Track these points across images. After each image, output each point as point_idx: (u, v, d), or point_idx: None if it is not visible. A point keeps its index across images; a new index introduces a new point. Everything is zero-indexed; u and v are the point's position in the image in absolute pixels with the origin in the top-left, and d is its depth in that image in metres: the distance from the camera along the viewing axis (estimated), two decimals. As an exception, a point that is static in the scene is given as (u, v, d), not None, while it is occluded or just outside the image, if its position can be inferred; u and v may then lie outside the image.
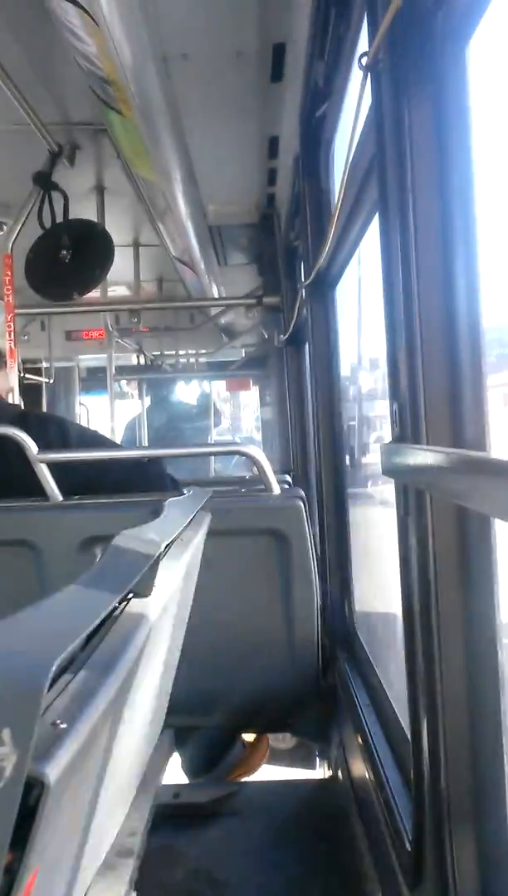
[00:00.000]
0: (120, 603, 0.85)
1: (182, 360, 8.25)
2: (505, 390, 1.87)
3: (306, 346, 3.74)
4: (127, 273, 5.55)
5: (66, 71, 2.74)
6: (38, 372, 8.16)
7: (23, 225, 3.72)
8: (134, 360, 8.08)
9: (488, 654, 1.23)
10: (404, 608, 1.40)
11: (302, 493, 2.45)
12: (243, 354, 8.48)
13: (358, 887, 1.98)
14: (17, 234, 3.71)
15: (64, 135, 3.56)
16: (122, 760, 0.96)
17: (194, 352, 8.32)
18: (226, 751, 3.29)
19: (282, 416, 5.46)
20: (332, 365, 2.90)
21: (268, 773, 3.41)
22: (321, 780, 3.29)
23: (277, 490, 2.39)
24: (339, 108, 2.39)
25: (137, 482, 2.50)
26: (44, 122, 3.28)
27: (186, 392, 9.52)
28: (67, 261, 3.87)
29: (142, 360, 7.90)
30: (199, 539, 1.60)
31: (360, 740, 2.08)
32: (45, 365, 8.09)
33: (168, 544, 1.14)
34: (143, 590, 0.97)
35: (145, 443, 7.97)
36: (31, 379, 7.90)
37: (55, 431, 2.50)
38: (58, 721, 0.61)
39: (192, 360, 8.46)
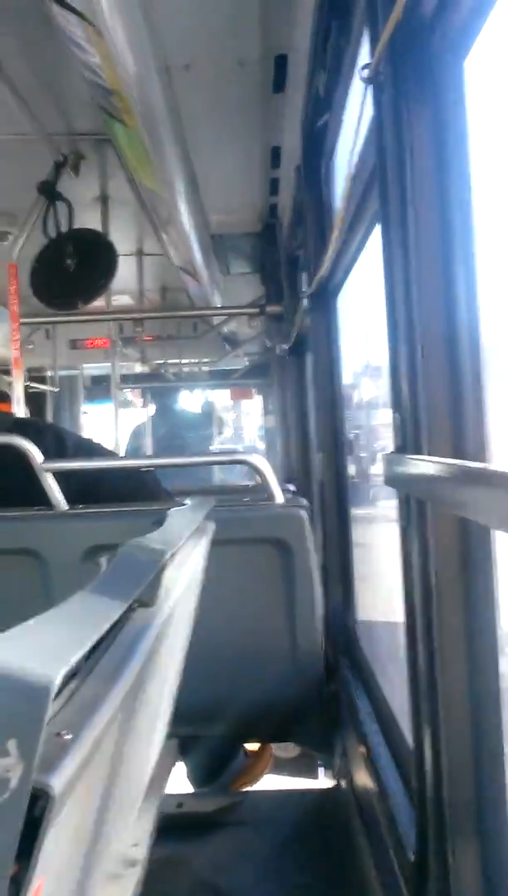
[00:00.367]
0: (125, 612, 0.85)
1: (185, 369, 8.26)
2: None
3: (309, 355, 3.75)
4: (131, 282, 5.57)
5: (70, 81, 2.76)
6: (42, 380, 8.18)
7: (28, 234, 3.73)
8: (138, 369, 8.09)
9: (489, 665, 1.23)
10: (406, 617, 1.41)
11: (305, 503, 2.45)
12: (246, 363, 8.50)
13: None
14: (23, 244, 3.73)
15: (68, 145, 3.57)
16: (127, 770, 0.96)
17: (197, 360, 8.33)
18: (229, 760, 3.28)
19: (284, 424, 5.47)
20: (333, 374, 2.90)
21: (271, 782, 3.40)
22: (324, 789, 3.28)
23: (280, 499, 2.39)
24: (340, 118, 2.40)
25: (134, 492, 2.50)
26: (48, 133, 3.29)
27: (189, 401, 9.53)
28: (71, 270, 3.88)
29: (145, 369, 7.91)
30: (202, 548, 1.61)
31: (363, 750, 2.08)
32: (49, 373, 8.12)
33: (172, 554, 1.15)
34: (148, 599, 0.98)
35: (149, 451, 7.98)
36: (36, 387, 7.93)
37: (52, 440, 2.50)
38: (63, 732, 0.61)
39: (195, 368, 8.47)
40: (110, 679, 0.76)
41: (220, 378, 8.76)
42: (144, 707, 1.03)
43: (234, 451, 7.89)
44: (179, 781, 3.15)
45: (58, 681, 0.54)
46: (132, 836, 1.96)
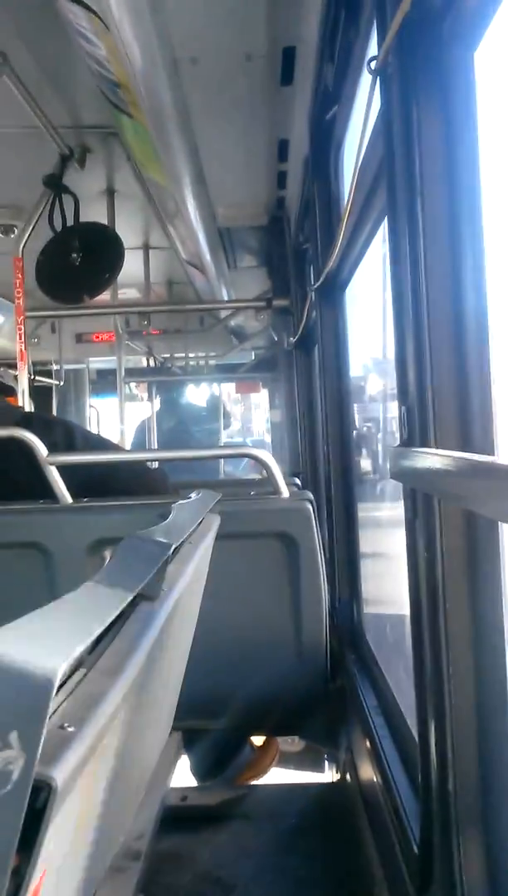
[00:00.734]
0: (129, 605, 0.85)
1: (192, 363, 8.26)
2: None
3: (316, 349, 3.75)
4: (137, 276, 5.56)
5: (76, 74, 2.75)
6: (48, 374, 8.19)
7: (33, 228, 3.73)
8: (144, 363, 8.10)
9: (495, 658, 1.23)
10: (412, 611, 1.40)
11: (311, 496, 2.45)
12: (253, 357, 8.49)
13: (366, 890, 1.98)
14: (28, 237, 3.72)
15: (75, 138, 3.57)
16: (130, 763, 0.96)
17: (203, 354, 8.33)
18: (235, 754, 3.29)
19: (291, 418, 5.46)
20: (341, 368, 2.90)
21: (276, 776, 3.41)
22: (329, 783, 3.29)
23: (286, 493, 2.38)
24: (348, 111, 2.39)
25: (143, 489, 2.50)
26: (55, 125, 3.29)
27: (195, 395, 9.53)
28: (77, 263, 3.88)
29: (152, 363, 7.91)
30: (207, 541, 1.60)
31: (368, 743, 2.08)
32: (55, 367, 8.12)
33: (177, 547, 1.14)
34: (151, 592, 0.97)
35: (155, 445, 7.98)
36: (42, 381, 7.93)
37: (61, 434, 2.50)
38: (66, 724, 0.61)
39: (201, 362, 8.47)
40: (114, 672, 0.75)
41: (226, 372, 8.75)
42: (147, 700, 1.02)
43: (239, 445, 7.89)
44: (185, 775, 3.16)
45: (60, 673, 0.53)
46: (136, 829, 1.96)
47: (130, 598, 0.82)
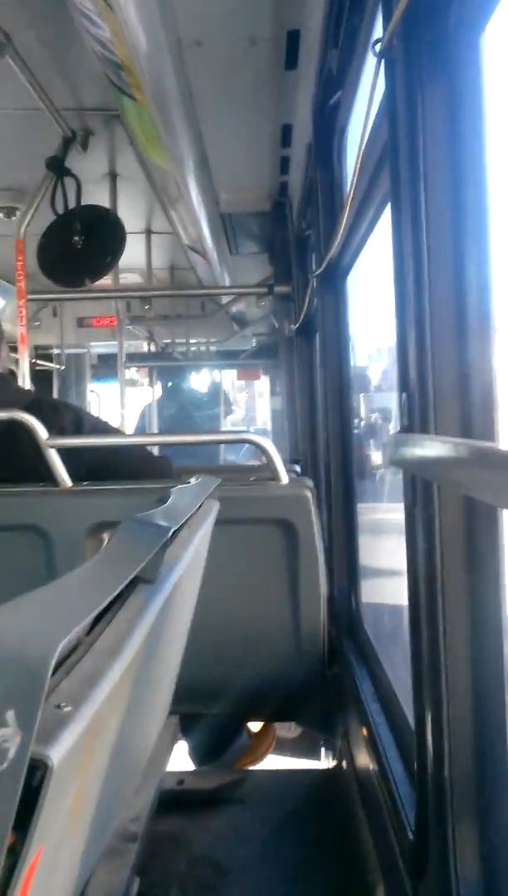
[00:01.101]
0: (126, 588, 0.85)
1: (193, 349, 8.25)
2: None
3: (317, 336, 3.74)
4: (139, 260, 5.55)
5: (80, 56, 2.73)
6: (49, 358, 8.18)
7: (35, 210, 3.72)
8: (145, 348, 8.09)
9: (493, 646, 1.23)
10: (410, 598, 1.40)
11: (310, 483, 2.45)
12: (254, 343, 8.48)
13: (361, 876, 1.99)
14: (30, 220, 3.71)
15: (77, 120, 3.55)
16: (127, 745, 0.97)
17: (204, 340, 8.32)
18: (232, 739, 3.30)
19: (291, 405, 5.46)
20: (342, 354, 2.89)
21: (273, 762, 3.42)
22: (325, 769, 3.30)
23: (285, 479, 2.38)
24: (353, 96, 2.38)
25: (145, 474, 2.50)
26: (57, 108, 3.27)
27: (196, 380, 9.53)
28: (79, 247, 3.87)
29: (153, 348, 7.91)
30: (206, 526, 1.60)
31: (365, 731, 2.08)
32: (56, 351, 8.11)
33: (175, 531, 1.14)
34: (149, 575, 0.97)
35: (155, 430, 7.98)
36: (43, 365, 7.93)
37: (70, 419, 2.49)
38: (62, 704, 0.61)
39: (202, 348, 8.46)
40: (111, 654, 0.75)
41: (227, 358, 8.75)
42: (144, 682, 1.02)
43: (239, 430, 7.89)
44: (182, 758, 3.17)
45: (57, 652, 0.53)
46: (133, 811, 1.97)
47: (128, 580, 0.82)
